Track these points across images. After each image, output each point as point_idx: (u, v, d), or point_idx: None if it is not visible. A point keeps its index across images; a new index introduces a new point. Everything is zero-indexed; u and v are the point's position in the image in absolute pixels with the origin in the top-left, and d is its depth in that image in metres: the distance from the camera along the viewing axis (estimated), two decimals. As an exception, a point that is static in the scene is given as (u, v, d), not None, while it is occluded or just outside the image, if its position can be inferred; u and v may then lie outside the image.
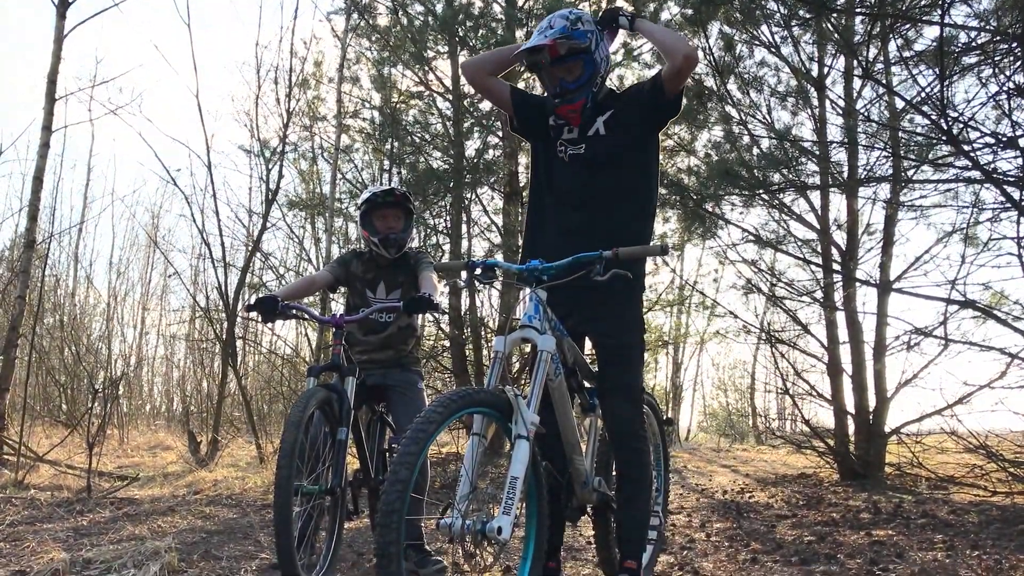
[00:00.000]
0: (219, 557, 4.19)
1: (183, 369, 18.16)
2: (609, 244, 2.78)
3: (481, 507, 2.41)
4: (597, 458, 3.30)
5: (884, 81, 7.31)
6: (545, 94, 3.31)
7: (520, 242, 9.38)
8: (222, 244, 10.63)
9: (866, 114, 7.48)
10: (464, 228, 10.01)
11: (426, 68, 9.63)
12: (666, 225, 10.03)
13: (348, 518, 3.78)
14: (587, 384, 3.27)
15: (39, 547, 4.29)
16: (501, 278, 2.93)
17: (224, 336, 10.27)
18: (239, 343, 12.01)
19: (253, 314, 4.06)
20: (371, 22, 10.09)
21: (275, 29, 29.48)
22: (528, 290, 2.86)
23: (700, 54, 3.13)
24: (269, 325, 9.59)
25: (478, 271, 2.93)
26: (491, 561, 2.40)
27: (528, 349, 2.99)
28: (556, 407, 2.90)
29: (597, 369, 3.17)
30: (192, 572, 3.81)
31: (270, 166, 10.81)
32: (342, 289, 4.52)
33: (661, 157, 9.09)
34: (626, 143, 3.14)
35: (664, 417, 3.81)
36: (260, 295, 3.98)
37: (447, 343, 9.93)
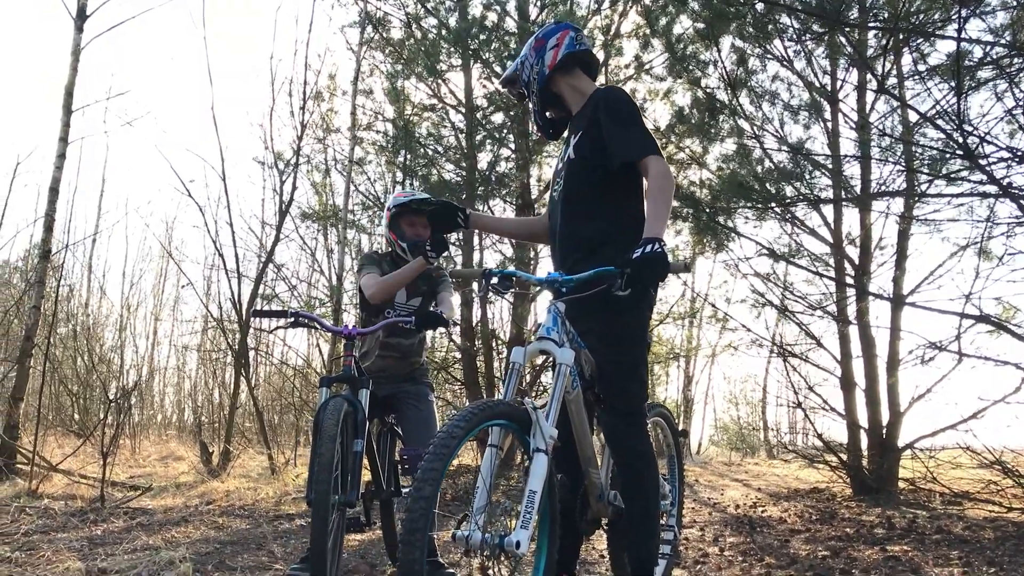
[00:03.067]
0: (233, 568, 4.19)
1: (195, 379, 18.22)
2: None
3: (497, 520, 2.40)
4: (612, 472, 3.28)
5: (898, 95, 7.30)
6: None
7: (532, 255, 9.44)
8: (235, 255, 10.63)
9: (881, 128, 7.47)
10: (476, 239, 10.04)
11: (439, 81, 9.67)
12: (678, 238, 10.03)
13: (360, 530, 3.79)
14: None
15: (54, 556, 4.31)
16: (517, 288, 2.92)
17: (237, 347, 10.30)
18: (251, 354, 12.02)
19: (266, 323, 4.08)
20: (385, 35, 10.16)
21: (290, 42, 29.69)
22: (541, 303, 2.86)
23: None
24: (280, 334, 9.63)
25: (495, 280, 2.92)
26: (506, 575, 2.40)
27: (540, 361, 2.96)
28: (573, 420, 2.88)
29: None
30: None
31: (284, 178, 10.87)
32: (355, 300, 4.52)
33: (673, 170, 9.16)
34: (591, 165, 3.09)
35: (679, 429, 3.80)
36: (268, 306, 4.00)
37: (458, 354, 9.94)
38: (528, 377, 9.15)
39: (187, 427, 16.28)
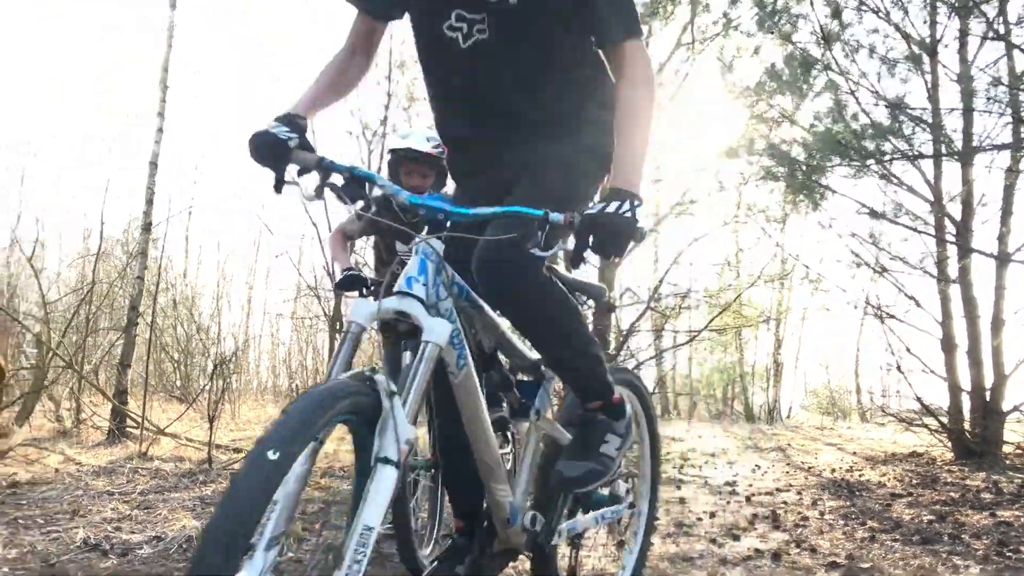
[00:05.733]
0: (339, 526, 4.32)
1: (288, 346, 18.75)
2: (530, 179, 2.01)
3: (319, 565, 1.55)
4: (535, 485, 2.35)
5: (1007, 40, 6.96)
6: None
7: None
8: (328, 224, 10.84)
9: (992, 78, 7.13)
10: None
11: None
12: (771, 196, 9.80)
13: None
14: (522, 377, 2.39)
15: (170, 515, 4.52)
16: (373, 205, 1.89)
17: (331, 313, 10.52)
18: (344, 320, 12.29)
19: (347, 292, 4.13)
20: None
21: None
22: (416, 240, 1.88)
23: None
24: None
25: (335, 178, 1.89)
26: None
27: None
28: (464, 413, 2.04)
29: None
30: (314, 540, 3.95)
31: (371, 147, 11.00)
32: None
33: (765, 128, 8.91)
34: (549, 16, 2.06)
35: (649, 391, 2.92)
36: (347, 273, 4.01)
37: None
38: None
39: (282, 392, 16.78)
